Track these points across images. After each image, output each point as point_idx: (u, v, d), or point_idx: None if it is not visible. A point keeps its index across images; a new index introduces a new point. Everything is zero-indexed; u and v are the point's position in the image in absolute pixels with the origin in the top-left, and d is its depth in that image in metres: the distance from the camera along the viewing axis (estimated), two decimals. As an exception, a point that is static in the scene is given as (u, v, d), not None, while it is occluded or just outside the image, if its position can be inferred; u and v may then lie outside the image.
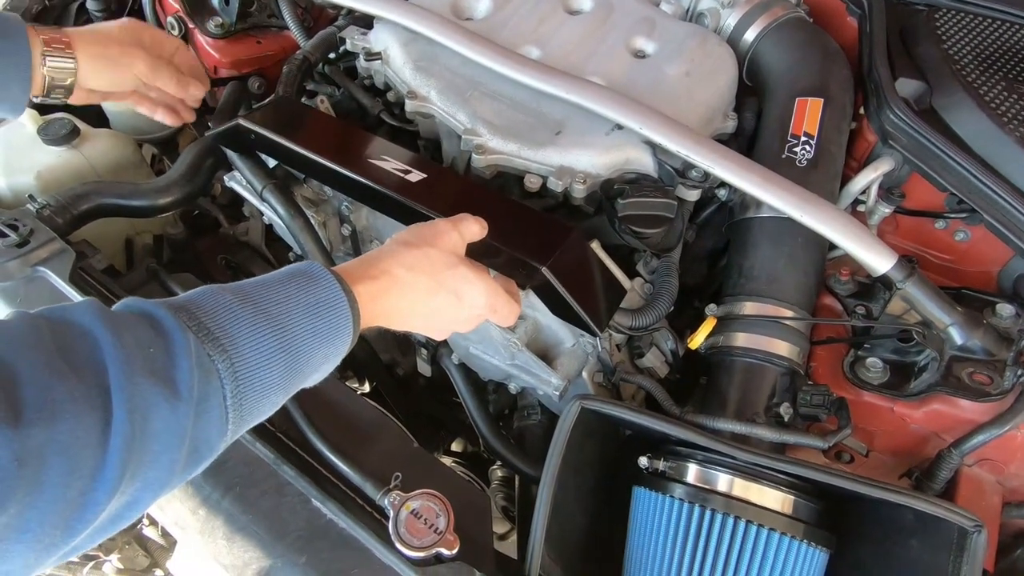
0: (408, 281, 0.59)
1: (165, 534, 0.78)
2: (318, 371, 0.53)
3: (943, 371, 0.69)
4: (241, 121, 0.83)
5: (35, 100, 0.75)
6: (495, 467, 1.09)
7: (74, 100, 0.79)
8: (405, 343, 1.11)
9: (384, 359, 1.12)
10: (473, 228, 0.67)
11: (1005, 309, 0.72)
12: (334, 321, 0.52)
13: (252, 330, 0.47)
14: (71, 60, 0.75)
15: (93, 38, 0.78)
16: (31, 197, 0.89)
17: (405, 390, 1.13)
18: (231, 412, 0.45)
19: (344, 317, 0.52)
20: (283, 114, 0.88)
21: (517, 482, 0.96)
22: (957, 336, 0.70)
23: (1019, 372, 0.66)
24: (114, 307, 0.46)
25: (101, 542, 0.43)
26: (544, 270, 0.68)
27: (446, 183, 0.75)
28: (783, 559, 0.63)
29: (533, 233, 0.72)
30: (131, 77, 0.80)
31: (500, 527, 1.13)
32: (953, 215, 0.83)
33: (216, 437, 0.45)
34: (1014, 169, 0.78)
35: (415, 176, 0.77)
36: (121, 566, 0.73)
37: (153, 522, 0.78)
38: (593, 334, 0.73)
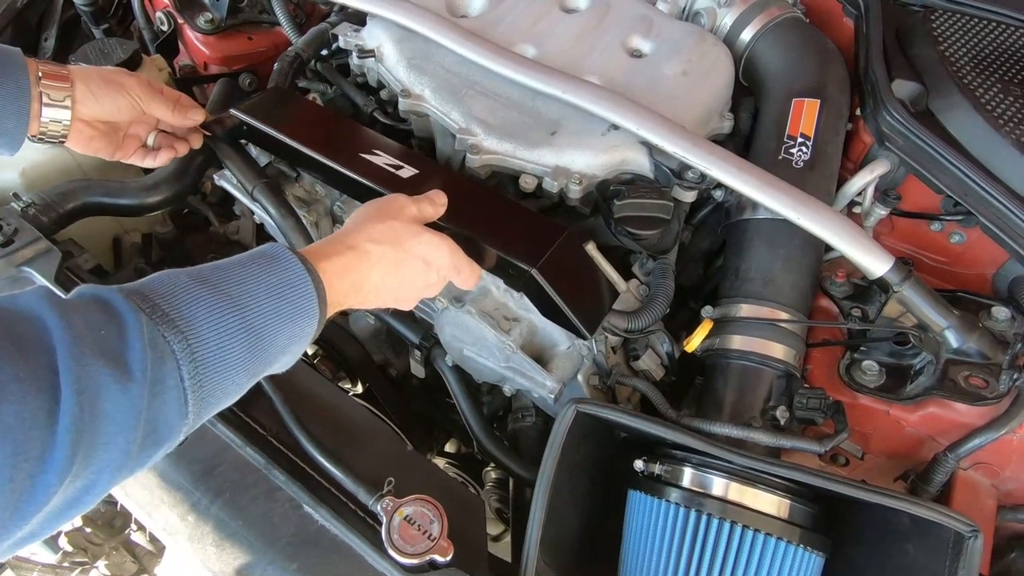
0: (375, 253, 0.59)
1: (154, 540, 0.76)
2: (286, 353, 0.52)
3: (939, 374, 0.69)
4: (234, 111, 0.82)
5: (32, 140, 0.70)
6: (489, 468, 1.08)
7: (72, 142, 0.73)
8: (398, 343, 1.10)
9: (377, 360, 1.11)
10: (427, 210, 0.67)
11: (1001, 312, 0.72)
12: (298, 301, 0.51)
13: (210, 311, 0.46)
14: (67, 88, 0.70)
15: (88, 70, 0.75)
16: (15, 195, 0.87)
17: (398, 391, 1.12)
18: (190, 394, 0.44)
19: (308, 297, 0.52)
20: (276, 105, 0.86)
21: (511, 484, 0.96)
22: (953, 339, 0.70)
23: (1015, 376, 0.66)
24: (68, 295, 0.45)
25: (60, 529, 0.43)
26: (534, 272, 0.67)
27: (438, 180, 0.74)
28: (779, 564, 0.62)
29: (524, 233, 0.71)
30: (127, 101, 0.74)
31: (494, 529, 1.13)
32: (949, 217, 0.82)
33: (175, 419, 0.44)
34: (1010, 172, 0.77)
35: (407, 172, 0.76)
36: (108, 573, 0.72)
37: (141, 528, 0.76)
38: (583, 337, 0.72)
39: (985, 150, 0.80)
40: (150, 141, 0.81)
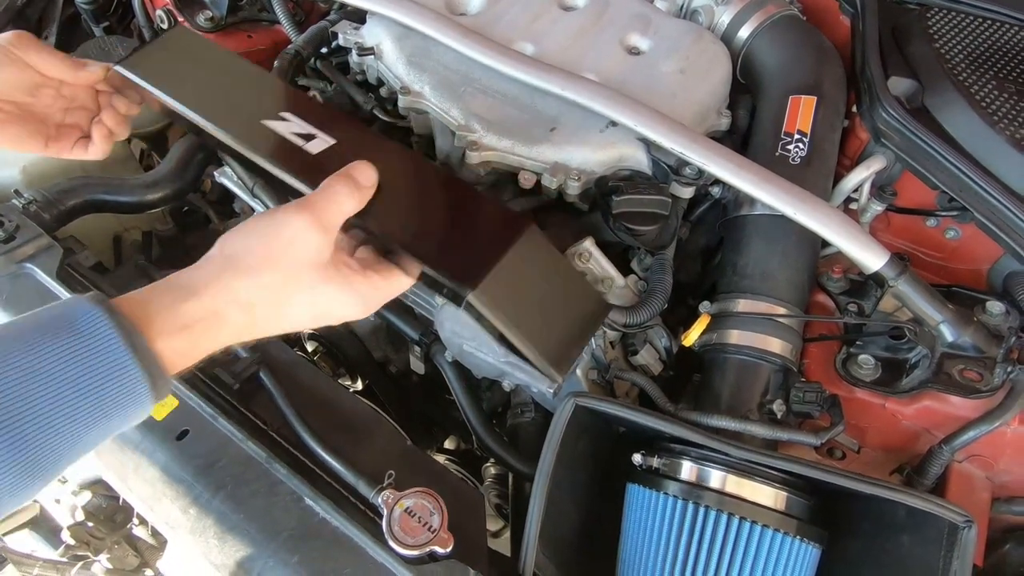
0: (242, 323, 0.46)
1: (155, 533, 0.77)
2: (92, 447, 0.40)
3: (934, 368, 0.70)
4: (116, 67, 0.64)
5: None
6: (488, 464, 1.08)
7: None
8: (398, 340, 1.10)
9: (376, 356, 1.11)
10: (344, 207, 0.50)
11: (995, 307, 0.73)
12: (114, 394, 0.38)
13: None
14: None
15: None
16: (16, 192, 0.88)
17: (398, 387, 1.12)
18: None
19: (131, 388, 0.39)
20: (174, 55, 0.67)
21: (511, 479, 0.96)
22: (948, 333, 0.70)
23: (1009, 369, 0.66)
24: None
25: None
26: (470, 298, 0.50)
27: (358, 153, 0.55)
28: (776, 555, 0.63)
29: (471, 235, 0.54)
30: (13, 68, 0.61)
31: (493, 525, 1.13)
32: (944, 213, 0.83)
33: None
34: (1004, 168, 0.78)
35: (318, 144, 0.57)
36: (110, 566, 0.72)
37: (143, 522, 0.77)
38: (551, 379, 0.57)
39: (980, 147, 0.80)
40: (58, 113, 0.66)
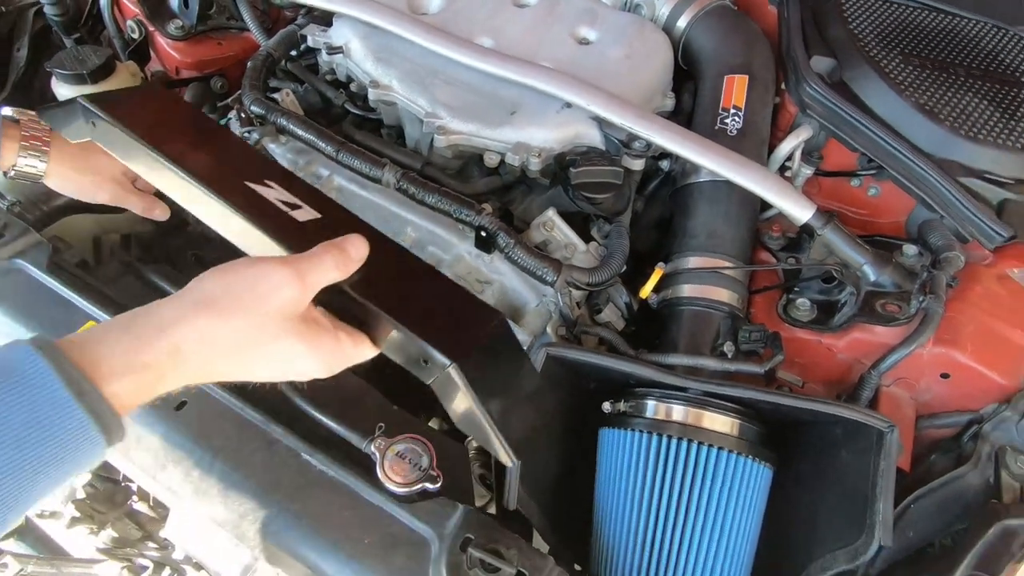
0: (200, 364, 0.45)
1: (156, 506, 0.80)
2: (47, 493, 0.39)
3: (860, 304, 0.79)
4: (80, 100, 0.63)
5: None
6: (470, 438, 1.14)
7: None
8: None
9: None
10: (329, 274, 0.50)
11: (910, 249, 0.83)
12: (60, 442, 0.38)
13: None
14: (42, 166, 0.78)
15: (72, 156, 0.78)
16: (0, 195, 0.91)
17: (379, 371, 1.17)
18: None
19: (80, 434, 0.38)
20: (147, 104, 0.67)
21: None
22: (871, 273, 0.80)
23: (922, 299, 0.76)
24: None
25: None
26: (451, 369, 0.50)
27: (344, 229, 0.53)
28: (732, 474, 0.70)
29: (447, 314, 0.55)
30: (92, 200, 0.82)
31: (479, 500, 1.18)
32: (864, 172, 0.93)
33: None
34: (912, 129, 0.89)
35: (304, 214, 0.57)
36: (116, 534, 0.75)
37: (144, 497, 0.80)
38: (506, 463, 0.59)
39: (891, 113, 0.91)
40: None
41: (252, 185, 0.58)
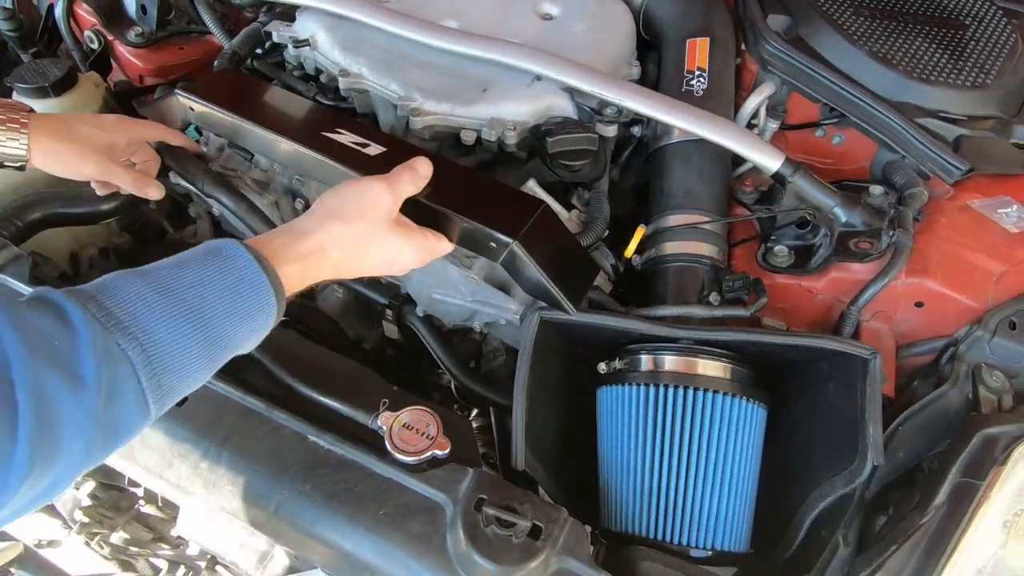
0: (338, 259, 0.61)
1: (164, 506, 0.80)
2: (246, 342, 0.54)
3: (835, 245, 0.82)
4: (179, 92, 0.79)
5: None
6: (471, 417, 1.15)
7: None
8: (367, 316, 1.16)
9: (350, 336, 1.16)
10: (408, 187, 0.67)
11: (876, 189, 0.87)
12: (254, 300, 0.53)
13: (165, 317, 0.48)
14: (23, 146, 0.73)
15: (53, 130, 0.75)
16: (-28, 212, 0.89)
17: (375, 363, 1.18)
18: (149, 394, 0.47)
19: (265, 297, 0.53)
20: (225, 86, 0.83)
21: (493, 423, 1.03)
22: (842, 214, 0.83)
23: (892, 234, 0.79)
24: (27, 295, 0.47)
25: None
26: (514, 245, 0.67)
27: (407, 155, 0.71)
28: (728, 414, 0.73)
29: (501, 207, 0.70)
30: (79, 176, 0.79)
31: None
32: (827, 122, 0.97)
33: (136, 417, 0.47)
34: (867, 76, 0.92)
35: (373, 149, 0.74)
36: (128, 535, 0.75)
37: (151, 500, 0.80)
38: (566, 312, 0.73)
39: (847, 62, 0.95)
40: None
41: (327, 134, 0.75)
